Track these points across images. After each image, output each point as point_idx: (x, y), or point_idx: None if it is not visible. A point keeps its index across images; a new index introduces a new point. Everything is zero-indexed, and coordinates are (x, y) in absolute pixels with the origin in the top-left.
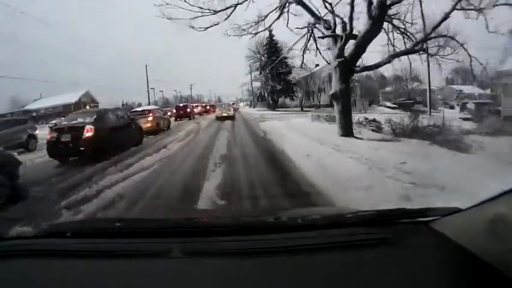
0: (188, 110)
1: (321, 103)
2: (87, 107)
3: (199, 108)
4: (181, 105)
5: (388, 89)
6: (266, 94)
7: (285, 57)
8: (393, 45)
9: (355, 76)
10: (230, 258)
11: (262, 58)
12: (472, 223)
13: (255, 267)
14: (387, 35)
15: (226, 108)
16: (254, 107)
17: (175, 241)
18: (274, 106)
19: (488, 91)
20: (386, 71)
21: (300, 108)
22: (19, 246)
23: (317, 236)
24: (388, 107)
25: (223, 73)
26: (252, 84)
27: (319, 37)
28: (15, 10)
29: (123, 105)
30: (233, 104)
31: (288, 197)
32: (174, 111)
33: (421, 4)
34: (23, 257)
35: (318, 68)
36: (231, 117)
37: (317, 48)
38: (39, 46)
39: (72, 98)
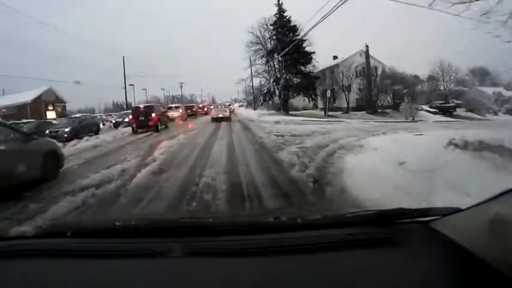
0: (155, 114)
1: (349, 105)
2: (49, 108)
3: (181, 110)
4: (141, 106)
5: (418, 88)
6: (277, 91)
7: (302, 41)
8: None
9: (379, 67)
10: (230, 258)
11: (269, 44)
12: (472, 223)
13: (254, 267)
14: None
15: (222, 110)
16: (255, 109)
17: (175, 241)
18: (286, 108)
19: None
20: (419, 69)
21: (324, 113)
22: (19, 246)
23: (317, 236)
24: (428, 112)
25: (218, 71)
26: (252, 80)
27: None
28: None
29: (113, 104)
30: (229, 105)
31: None
32: (131, 116)
33: None
34: (23, 257)
35: (337, 60)
36: (227, 119)
37: None
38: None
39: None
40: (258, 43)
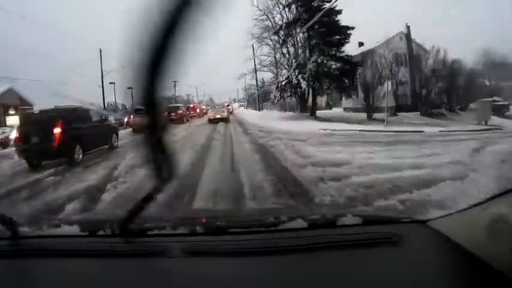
0: (60, 130)
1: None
2: (11, 112)
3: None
4: (36, 112)
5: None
6: (302, 82)
7: (335, 10)
8: None
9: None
10: (230, 257)
11: (280, 21)
12: (472, 223)
13: (254, 267)
14: None
15: (220, 110)
16: (259, 110)
17: (175, 241)
18: (313, 110)
19: None
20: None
21: (367, 116)
22: (19, 246)
23: (317, 236)
24: None
25: (218, 70)
26: (256, 73)
27: None
28: None
29: (109, 105)
30: (227, 105)
31: None
32: (17, 135)
33: None
34: (23, 257)
35: (363, 47)
36: (225, 120)
37: None
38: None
39: None
40: (263, 26)
